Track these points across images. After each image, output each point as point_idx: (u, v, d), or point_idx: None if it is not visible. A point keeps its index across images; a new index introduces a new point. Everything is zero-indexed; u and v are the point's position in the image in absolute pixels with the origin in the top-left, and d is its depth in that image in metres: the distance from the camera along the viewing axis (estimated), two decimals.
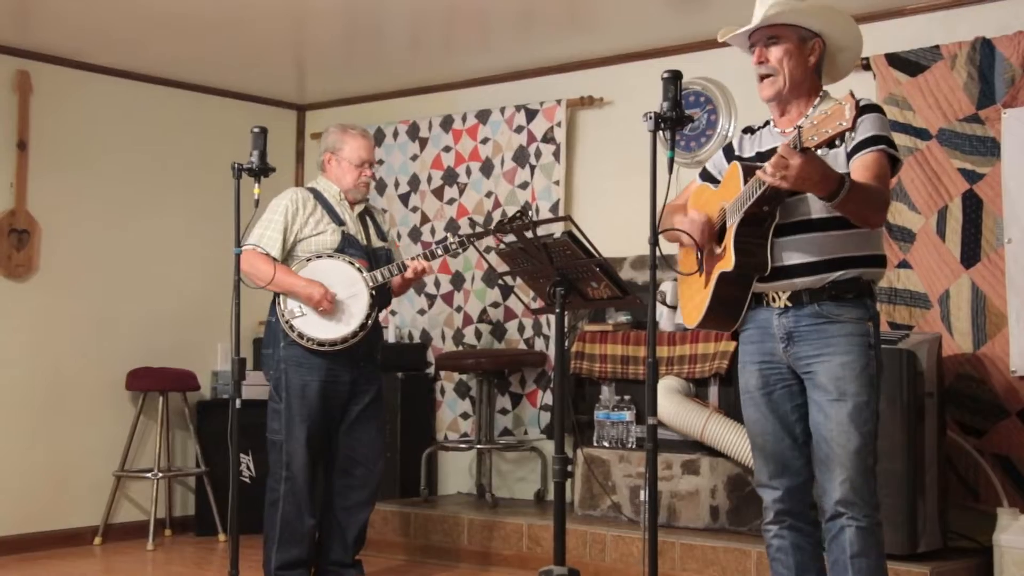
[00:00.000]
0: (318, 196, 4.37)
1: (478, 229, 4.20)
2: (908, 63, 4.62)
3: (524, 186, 5.73)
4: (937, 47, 4.56)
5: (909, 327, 4.51)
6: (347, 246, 4.30)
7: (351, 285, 4.22)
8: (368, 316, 4.21)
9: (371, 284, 4.22)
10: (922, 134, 4.54)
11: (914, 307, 4.57)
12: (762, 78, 2.97)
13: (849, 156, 2.86)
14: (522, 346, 5.70)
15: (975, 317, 4.44)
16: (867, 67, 4.61)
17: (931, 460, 4.09)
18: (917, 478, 4.00)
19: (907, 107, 4.59)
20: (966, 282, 4.47)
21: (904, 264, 4.58)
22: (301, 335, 4.19)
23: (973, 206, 4.46)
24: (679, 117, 2.84)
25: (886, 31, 4.65)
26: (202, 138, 6.15)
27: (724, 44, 3.15)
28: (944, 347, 4.34)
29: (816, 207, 2.83)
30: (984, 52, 4.44)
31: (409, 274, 4.27)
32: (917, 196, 4.56)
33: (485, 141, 5.91)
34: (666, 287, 4.95)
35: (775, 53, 2.94)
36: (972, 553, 4.20)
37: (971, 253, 4.47)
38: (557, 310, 3.51)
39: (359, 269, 4.24)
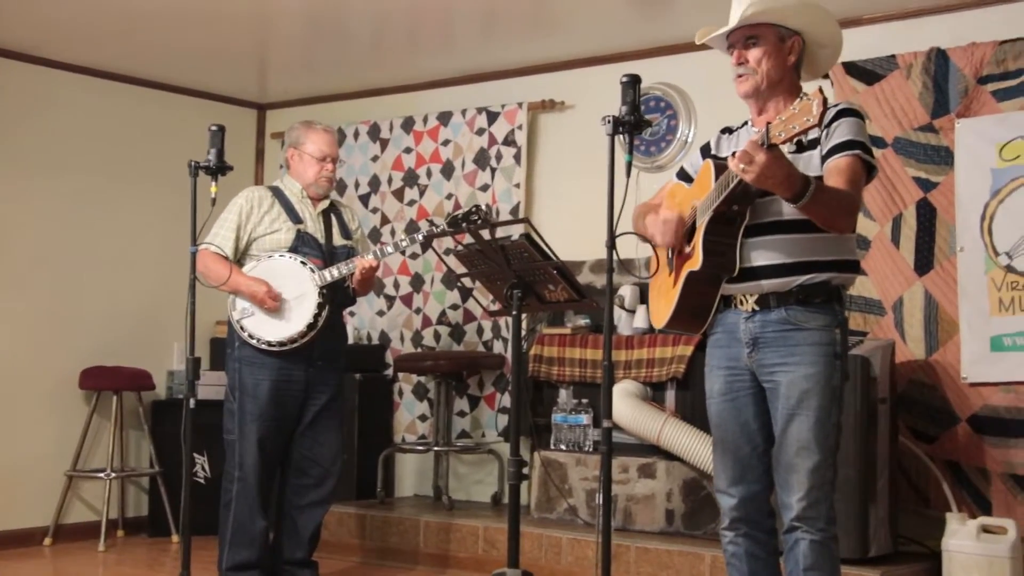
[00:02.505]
0: (278, 194, 4.35)
1: (436, 230, 4.16)
2: (865, 72, 4.68)
3: (485, 188, 5.73)
4: (893, 57, 4.62)
5: (863, 333, 4.56)
6: (301, 245, 4.26)
7: (300, 284, 4.18)
8: (316, 316, 4.17)
9: (319, 283, 4.18)
10: (878, 142, 4.59)
11: (868, 314, 4.62)
12: (739, 76, 2.94)
13: (823, 159, 2.83)
14: (481, 348, 5.69)
15: (928, 324, 4.49)
16: (825, 75, 4.66)
17: (883, 465, 4.13)
18: (869, 483, 4.05)
19: (866, 118, 4.64)
20: (919, 289, 4.53)
21: (860, 271, 4.63)
22: (251, 335, 4.17)
23: (927, 214, 4.52)
24: (637, 121, 2.84)
25: (844, 40, 4.70)
26: (161, 136, 6.09)
27: (685, 49, 3.15)
28: (897, 354, 4.39)
29: (787, 208, 2.78)
30: (939, 62, 4.51)
31: (357, 274, 4.20)
32: (872, 203, 4.61)
33: (446, 143, 5.90)
34: (624, 291, 4.97)
35: (754, 53, 2.90)
36: (922, 558, 4.25)
37: (924, 261, 4.52)
38: (514, 312, 3.50)
39: (310, 268, 4.20)
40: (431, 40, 5.40)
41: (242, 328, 4.18)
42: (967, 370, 4.39)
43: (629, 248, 3.21)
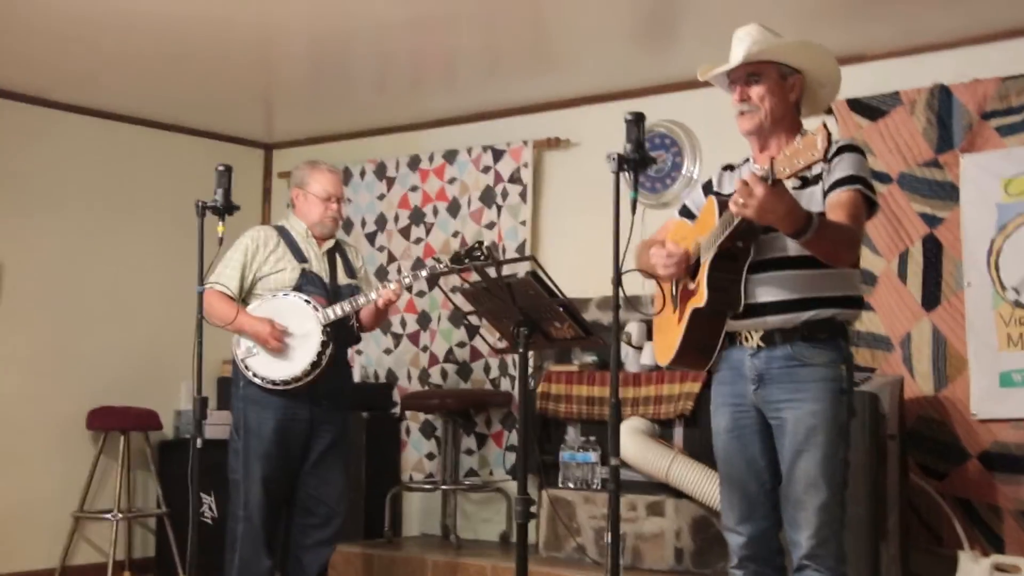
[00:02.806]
0: (284, 234, 4.36)
1: (441, 267, 4.16)
2: (869, 108, 4.70)
3: (491, 226, 5.75)
4: (897, 93, 4.64)
5: (871, 369, 4.55)
6: (306, 283, 4.26)
7: (304, 323, 4.18)
8: (320, 354, 4.17)
9: (323, 321, 4.18)
10: (883, 178, 4.60)
11: (876, 349, 4.61)
12: (742, 113, 2.95)
13: (825, 194, 2.83)
14: (488, 386, 5.68)
15: (936, 360, 4.48)
16: (829, 111, 4.68)
17: (893, 503, 4.10)
18: (879, 521, 4.01)
19: (868, 151, 4.64)
20: (927, 325, 4.51)
21: (866, 306, 4.63)
22: (255, 374, 4.16)
23: (933, 250, 4.52)
24: (642, 158, 2.84)
25: (847, 76, 4.65)
26: (168, 176, 6.13)
27: (690, 87, 3.16)
28: (906, 389, 4.37)
29: (792, 244, 2.77)
30: (942, 98, 4.52)
31: (380, 303, 4.20)
32: (879, 239, 4.61)
33: (452, 181, 5.92)
34: (631, 328, 4.96)
35: (756, 91, 2.92)
36: None
37: (932, 296, 4.52)
38: (520, 350, 3.50)
39: (314, 307, 4.20)
40: (436, 79, 5.44)
41: (246, 367, 4.18)
42: (976, 406, 4.37)
43: (636, 285, 3.20)
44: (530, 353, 3.63)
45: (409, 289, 4.35)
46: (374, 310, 4.26)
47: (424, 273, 4.27)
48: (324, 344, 4.17)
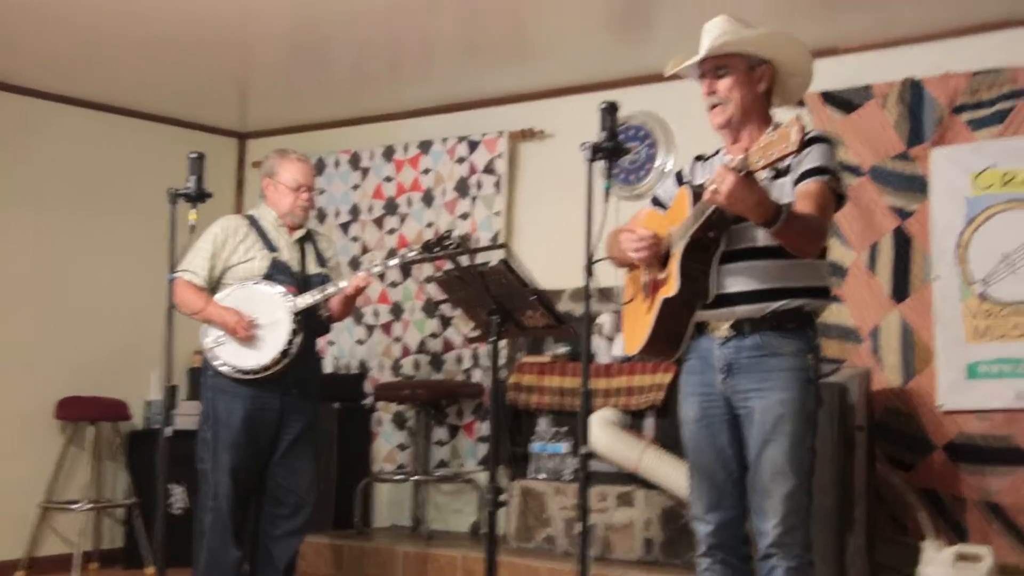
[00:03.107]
0: (254, 223, 4.34)
1: (411, 255, 4.15)
2: (841, 101, 4.73)
3: (465, 217, 5.74)
4: (869, 86, 4.67)
5: (840, 361, 4.57)
6: (276, 272, 4.24)
7: (273, 312, 4.16)
8: (289, 343, 4.15)
9: (293, 310, 4.16)
10: (855, 171, 4.64)
11: (845, 341, 4.64)
12: (712, 107, 2.96)
13: (795, 184, 2.85)
14: (460, 377, 5.68)
15: (904, 352, 4.52)
16: (802, 104, 4.70)
17: (860, 494, 4.13)
18: (846, 512, 4.04)
19: (840, 144, 4.68)
20: (895, 317, 4.55)
21: (835, 299, 4.66)
22: (224, 363, 4.14)
23: (903, 242, 4.56)
24: (616, 147, 2.85)
25: (820, 70, 4.71)
26: (140, 165, 6.08)
27: (664, 79, 3.15)
28: (874, 381, 4.41)
29: (761, 235, 2.79)
30: (914, 92, 4.56)
31: (350, 290, 4.18)
32: (849, 231, 4.65)
33: (427, 172, 5.91)
34: (603, 319, 4.97)
35: (724, 83, 2.93)
36: None
37: (901, 288, 4.55)
38: (493, 338, 3.50)
39: (283, 296, 4.19)
40: (412, 69, 5.42)
41: (215, 356, 4.16)
42: (943, 398, 4.41)
43: (608, 277, 3.20)
44: (502, 343, 3.63)
45: (381, 277, 4.31)
46: (344, 299, 4.25)
47: (393, 261, 4.25)
48: (294, 333, 4.15)
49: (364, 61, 5.32)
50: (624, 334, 3.19)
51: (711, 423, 2.97)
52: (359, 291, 4.21)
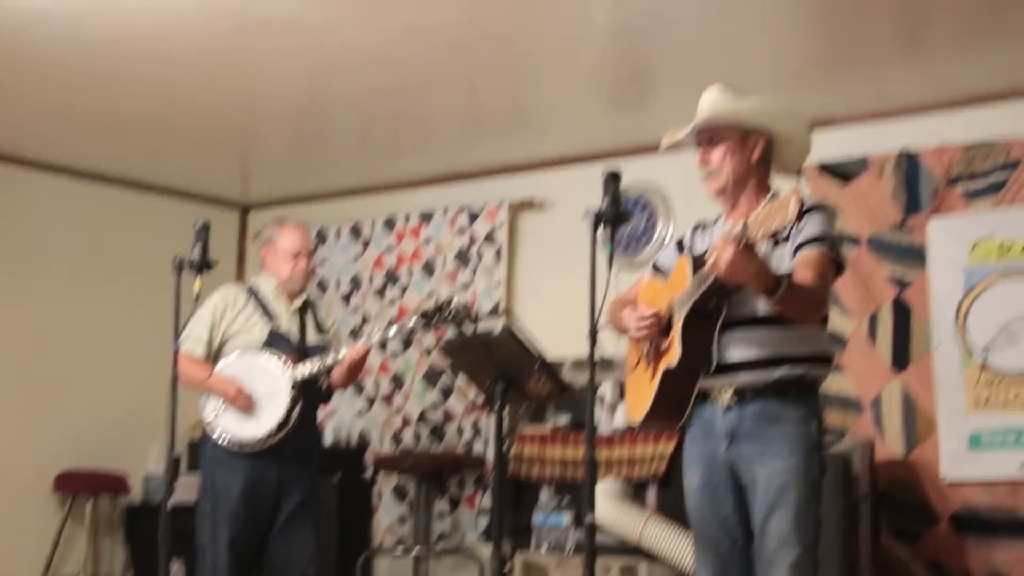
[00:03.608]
0: (253, 292, 4.34)
1: (411, 324, 4.13)
2: (839, 172, 4.79)
3: (466, 287, 5.77)
4: (865, 158, 4.73)
5: (842, 431, 4.56)
6: (275, 342, 4.24)
7: (272, 382, 4.15)
8: (288, 413, 4.14)
9: (292, 380, 4.15)
10: (852, 241, 4.68)
11: (847, 411, 4.63)
12: (707, 176, 3.00)
13: (794, 252, 2.87)
14: (461, 449, 5.65)
15: (906, 422, 4.51)
16: (799, 174, 4.75)
17: (865, 566, 4.10)
18: None
19: (838, 214, 4.73)
20: (896, 386, 4.55)
21: (836, 368, 4.66)
22: (222, 434, 4.12)
23: (902, 312, 4.58)
24: (619, 214, 2.88)
25: (817, 141, 4.81)
26: (141, 236, 6.12)
27: (664, 148, 3.19)
28: (876, 451, 4.39)
29: (762, 304, 2.81)
30: (909, 164, 4.62)
31: (348, 360, 4.14)
32: (849, 301, 4.67)
33: (427, 242, 5.96)
34: (605, 389, 4.97)
35: (716, 153, 2.96)
36: None
37: (901, 358, 4.56)
38: (498, 403, 3.50)
39: (283, 366, 4.17)
40: (413, 142, 5.50)
41: (214, 428, 4.14)
42: (946, 469, 4.39)
43: (609, 346, 3.21)
44: (505, 412, 3.63)
45: (383, 346, 4.28)
46: (345, 368, 4.23)
47: (392, 331, 4.21)
48: (293, 403, 4.13)
49: (366, 134, 5.40)
50: (627, 402, 3.19)
51: (715, 492, 2.95)
52: (357, 361, 4.17)
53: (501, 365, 3.50)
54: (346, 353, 4.14)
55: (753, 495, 2.88)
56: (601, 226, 2.88)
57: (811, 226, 2.88)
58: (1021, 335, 4.36)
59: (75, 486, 5.55)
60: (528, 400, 3.80)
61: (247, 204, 6.70)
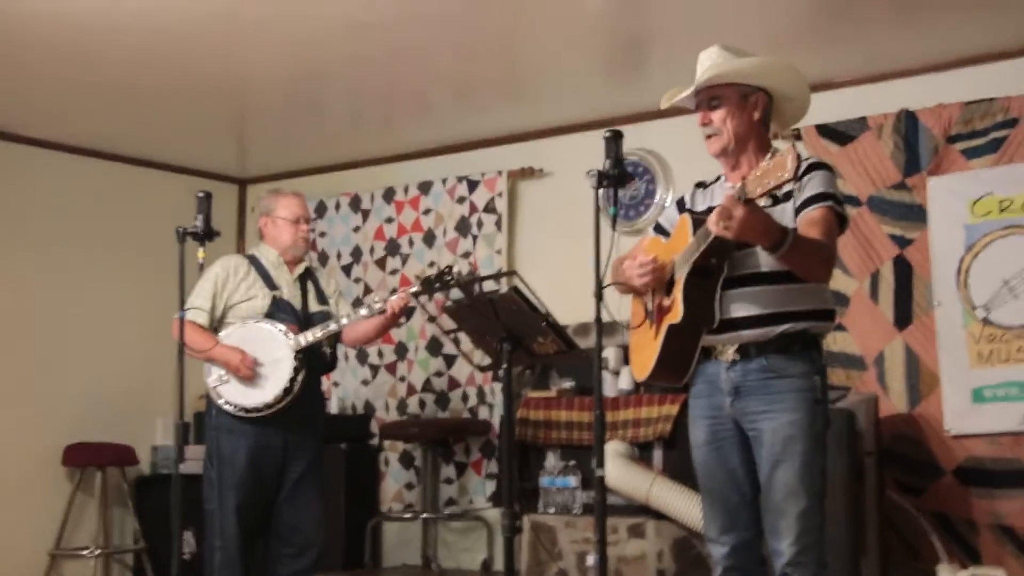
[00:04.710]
0: (254, 262, 4.36)
1: (414, 289, 4.12)
2: (837, 133, 4.80)
3: (466, 255, 5.79)
4: (864, 118, 4.74)
5: (846, 388, 4.60)
6: (277, 311, 4.25)
7: (276, 350, 4.16)
8: (292, 380, 4.17)
9: (295, 348, 4.19)
10: (852, 201, 4.69)
11: (850, 369, 4.67)
12: (708, 136, 3.01)
13: (797, 212, 2.89)
14: (466, 415, 5.69)
15: (909, 378, 4.54)
16: (798, 137, 4.77)
17: (872, 520, 4.14)
18: (858, 538, 4.05)
19: (837, 175, 4.74)
20: (899, 344, 4.58)
21: (839, 327, 4.69)
22: (227, 402, 4.15)
23: (904, 270, 4.61)
24: (621, 175, 2.89)
25: (815, 103, 4.78)
26: (142, 211, 6.13)
27: (662, 115, 3.20)
28: (880, 407, 4.43)
29: (765, 260, 2.83)
30: (908, 123, 4.63)
31: (389, 311, 4.13)
32: (850, 260, 4.69)
33: (427, 212, 5.97)
34: (608, 353, 5.00)
35: (717, 114, 2.97)
36: None
37: (903, 315, 4.59)
38: (504, 365, 3.53)
39: (285, 333, 4.21)
40: (410, 112, 5.49)
41: (218, 395, 4.17)
42: (950, 423, 4.43)
43: (613, 308, 3.23)
44: (511, 375, 3.66)
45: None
46: (380, 321, 4.20)
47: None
48: (296, 370, 4.16)
49: (362, 106, 5.39)
50: (632, 361, 3.22)
51: (721, 445, 2.99)
52: (397, 314, 4.14)
53: (508, 325, 3.53)
54: (347, 321, 4.17)
55: (759, 448, 2.92)
56: (603, 186, 2.90)
57: (814, 184, 2.90)
58: (1022, 290, 4.39)
59: (84, 459, 5.59)
60: (535, 359, 3.82)
61: (245, 179, 6.70)
